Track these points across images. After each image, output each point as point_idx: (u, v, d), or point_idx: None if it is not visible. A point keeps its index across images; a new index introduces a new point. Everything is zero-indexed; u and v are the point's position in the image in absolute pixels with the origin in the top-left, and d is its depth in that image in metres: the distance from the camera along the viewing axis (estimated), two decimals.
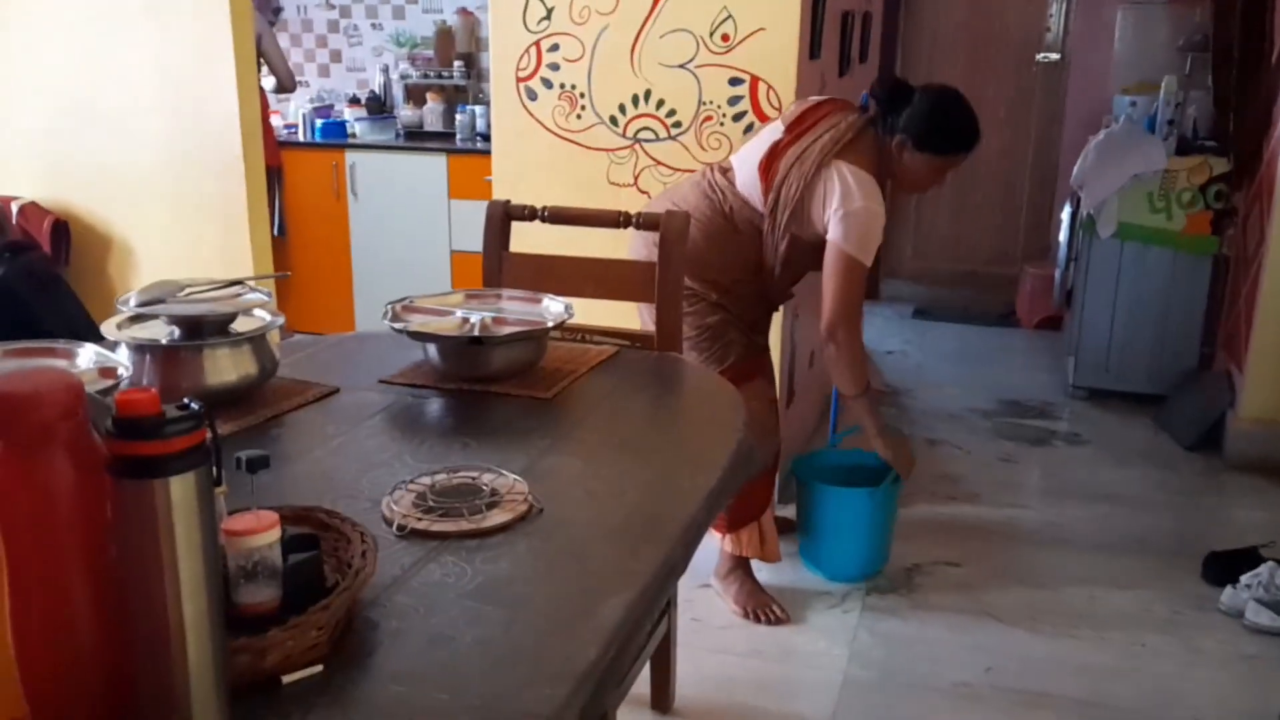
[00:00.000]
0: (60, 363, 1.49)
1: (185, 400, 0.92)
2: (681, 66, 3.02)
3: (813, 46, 3.07)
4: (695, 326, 2.54)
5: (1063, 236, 4.58)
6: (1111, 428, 4.06)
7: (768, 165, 2.52)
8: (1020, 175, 5.69)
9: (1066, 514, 3.34)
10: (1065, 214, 4.58)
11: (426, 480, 1.37)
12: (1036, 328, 5.30)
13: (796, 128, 2.54)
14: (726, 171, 2.62)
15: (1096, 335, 4.25)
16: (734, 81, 2.99)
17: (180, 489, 0.89)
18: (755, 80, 2.97)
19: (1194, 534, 3.20)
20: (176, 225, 3.67)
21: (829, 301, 2.48)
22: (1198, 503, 3.47)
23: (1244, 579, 2.77)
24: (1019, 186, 5.70)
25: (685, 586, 2.73)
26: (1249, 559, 2.86)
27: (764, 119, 2.98)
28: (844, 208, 2.42)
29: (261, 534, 1.03)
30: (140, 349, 1.60)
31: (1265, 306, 3.58)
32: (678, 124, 3.06)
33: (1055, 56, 5.47)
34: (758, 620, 2.68)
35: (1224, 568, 2.88)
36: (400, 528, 1.26)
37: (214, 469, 0.95)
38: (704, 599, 2.77)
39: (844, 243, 2.43)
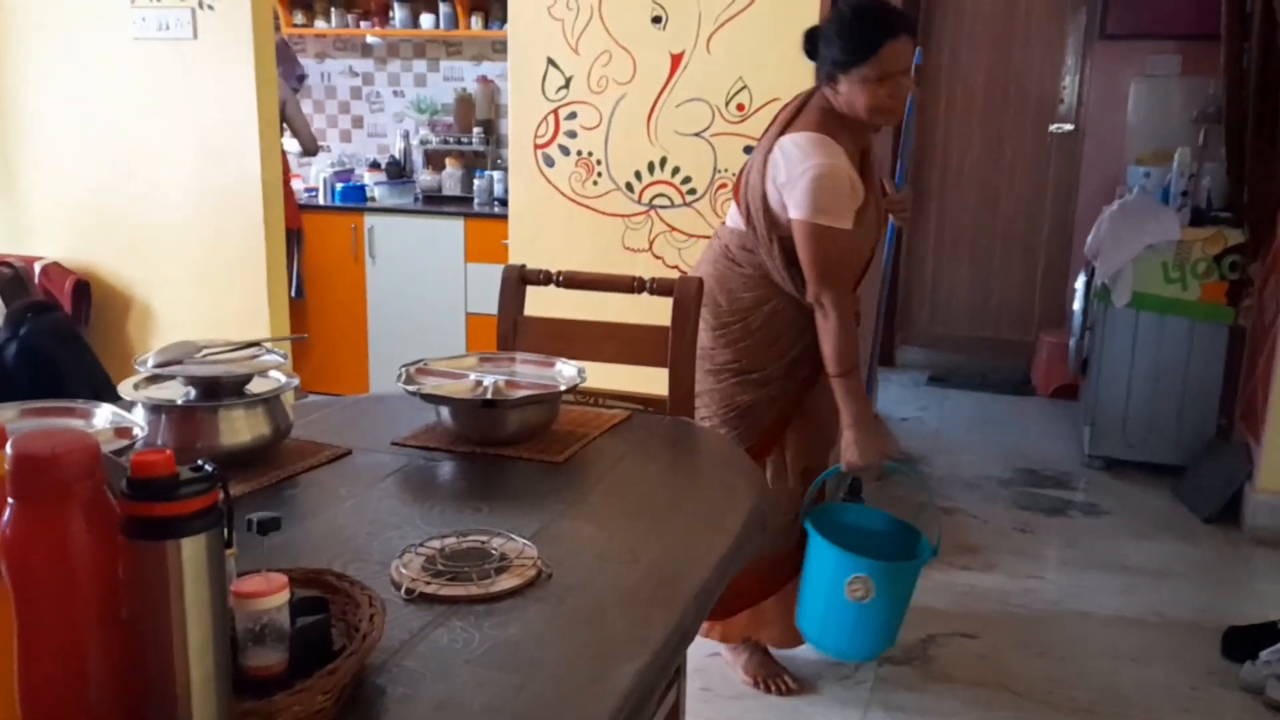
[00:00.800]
0: (77, 422, 1.50)
1: (199, 462, 0.93)
2: (697, 135, 3.06)
3: None
4: (724, 404, 2.49)
5: (1078, 305, 4.58)
6: (1129, 498, 4.02)
7: (737, 184, 2.49)
8: (1036, 243, 5.71)
9: (1085, 585, 3.30)
10: (1080, 282, 4.58)
11: (436, 544, 1.36)
12: (1052, 396, 5.28)
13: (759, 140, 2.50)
14: (724, 221, 2.60)
15: (1112, 404, 4.23)
16: (748, 150, 3.03)
17: (192, 550, 0.90)
18: None
19: (1214, 608, 3.16)
20: (196, 286, 3.71)
21: (806, 273, 2.33)
22: (1217, 576, 3.42)
23: (1264, 655, 2.72)
24: (1035, 254, 5.72)
25: (695, 655, 2.71)
26: (1269, 634, 2.82)
27: None
28: (787, 175, 2.29)
29: (270, 596, 1.02)
30: (156, 409, 1.61)
31: None
32: (693, 191, 3.10)
33: (1069, 127, 5.52)
34: (768, 690, 2.64)
35: (1244, 643, 2.83)
36: (409, 591, 1.26)
37: (225, 531, 0.95)
38: (714, 668, 2.74)
39: (800, 211, 2.28)
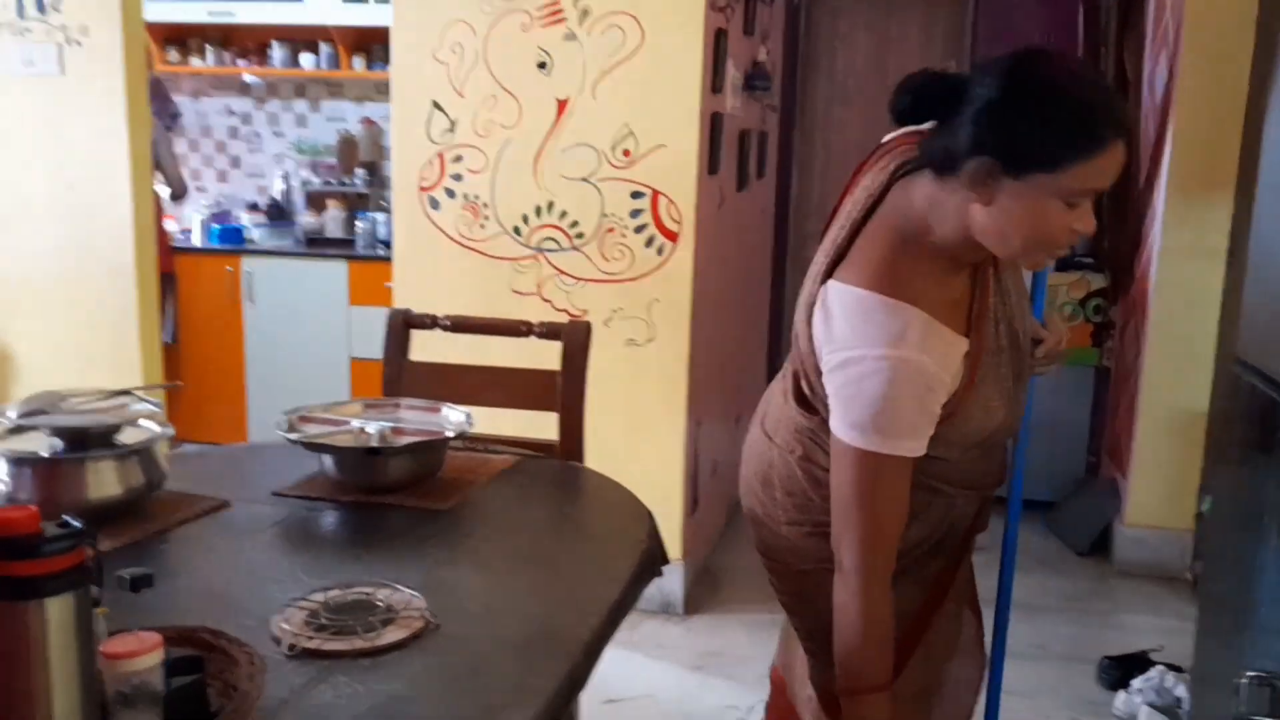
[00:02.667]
0: None
1: (64, 518, 0.89)
2: (584, 180, 3.08)
3: (712, 162, 3.16)
4: None
5: None
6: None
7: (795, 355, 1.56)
8: None
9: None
10: None
11: (319, 597, 1.33)
12: None
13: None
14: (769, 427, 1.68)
15: None
16: (635, 195, 3.06)
17: (57, 611, 0.86)
18: (656, 194, 3.04)
19: (1089, 639, 3.26)
20: (61, 331, 3.56)
21: (834, 509, 1.46)
22: (1091, 608, 3.54)
23: (1135, 683, 2.82)
24: None
25: (589, 702, 2.67)
26: (1140, 664, 2.93)
27: (664, 230, 3.05)
28: (829, 358, 1.42)
29: (143, 656, 0.98)
30: (19, 462, 1.54)
31: (1144, 416, 3.73)
32: (580, 235, 3.11)
33: None
34: None
35: (1118, 672, 2.93)
36: (291, 647, 1.21)
37: (94, 589, 0.91)
38: (609, 714, 2.71)
39: (843, 427, 1.41)
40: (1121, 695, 2.83)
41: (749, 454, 1.71)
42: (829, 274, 1.45)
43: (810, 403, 1.53)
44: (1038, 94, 1.31)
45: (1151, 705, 2.74)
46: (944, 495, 1.55)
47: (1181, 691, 2.73)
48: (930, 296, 1.39)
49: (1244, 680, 1.53)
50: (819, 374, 1.45)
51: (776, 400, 1.65)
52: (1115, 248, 4.05)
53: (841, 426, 1.41)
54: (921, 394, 1.38)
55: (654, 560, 1.66)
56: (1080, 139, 1.29)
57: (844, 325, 1.40)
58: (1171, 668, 2.82)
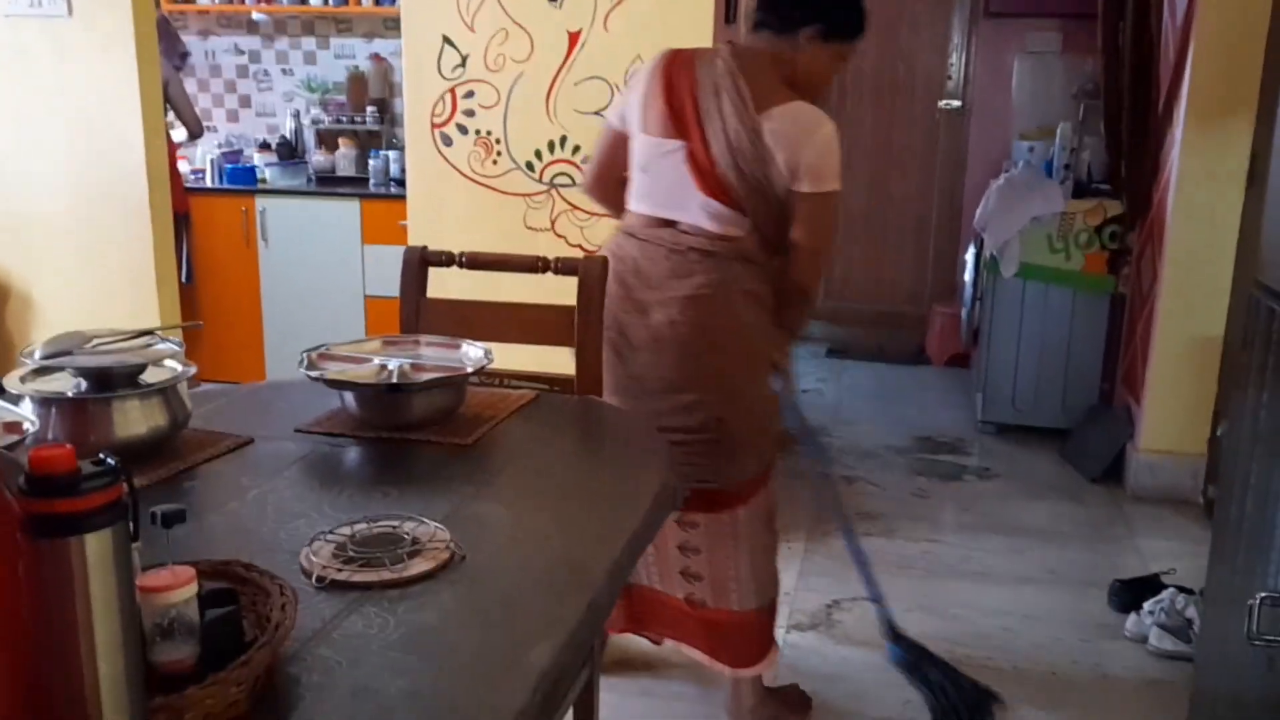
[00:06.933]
0: None
1: (101, 455, 0.91)
2: (597, 113, 3.06)
3: None
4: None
5: (968, 277, 4.72)
6: (1020, 462, 4.17)
7: (709, 174, 2.17)
8: (927, 217, 5.85)
9: (980, 547, 3.42)
10: (970, 255, 4.72)
11: (346, 530, 1.35)
12: (946, 365, 5.44)
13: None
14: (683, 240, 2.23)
15: (1002, 372, 4.37)
16: None
17: (97, 546, 0.88)
18: None
19: (1101, 564, 3.30)
20: (79, 273, 3.58)
21: (820, 247, 2.23)
22: (1103, 533, 3.58)
23: (1147, 606, 2.86)
24: (926, 228, 5.87)
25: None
26: (1152, 586, 2.96)
27: None
28: (805, 146, 2.14)
29: (178, 590, 1.01)
30: (46, 403, 1.56)
31: (1160, 343, 3.73)
32: None
33: (957, 104, 5.66)
34: None
35: (1129, 595, 2.97)
36: (320, 579, 1.24)
37: (131, 525, 0.93)
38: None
39: (831, 180, 2.16)
40: (1132, 617, 2.87)
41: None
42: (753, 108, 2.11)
43: (744, 205, 2.16)
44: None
45: (1162, 626, 2.78)
46: None
47: (1192, 613, 2.76)
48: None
49: (1257, 601, 1.55)
50: (766, 179, 2.12)
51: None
52: (1133, 174, 4.01)
53: (832, 179, 2.13)
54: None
55: (672, 491, 1.69)
56: (860, 21, 2.24)
57: (807, 119, 2.11)
58: (1182, 590, 2.86)
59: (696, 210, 2.17)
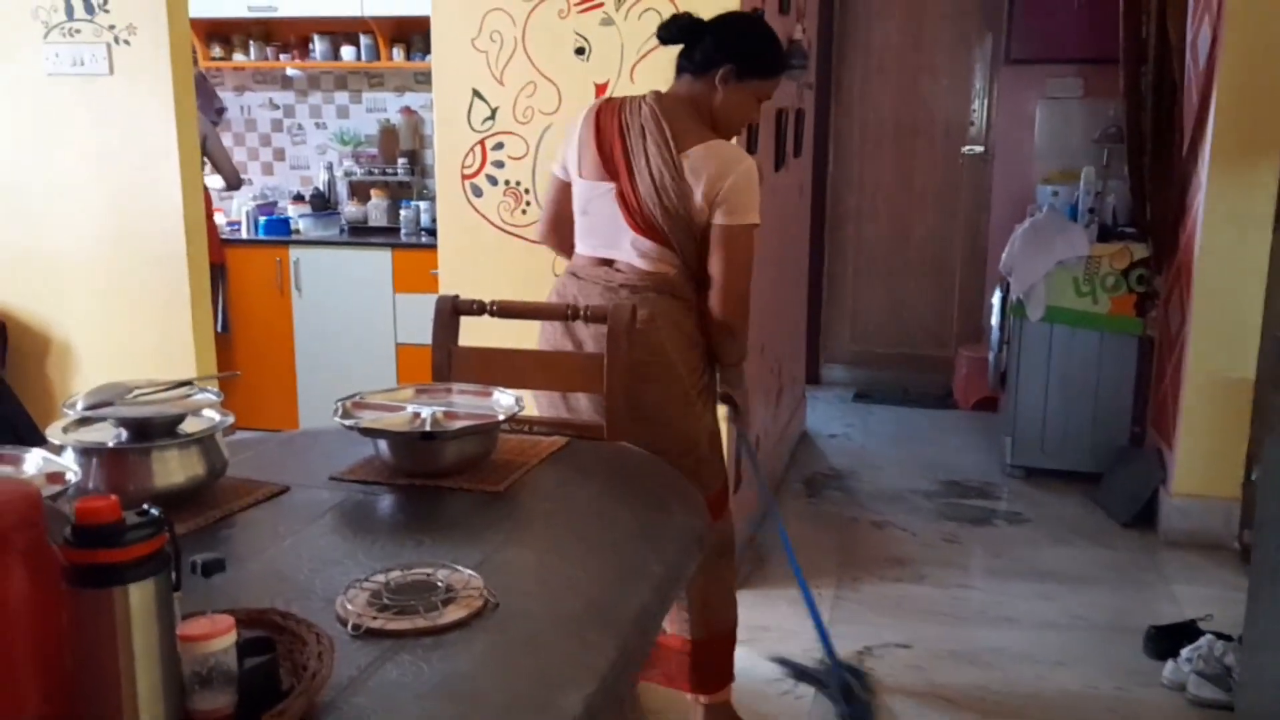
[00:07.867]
0: (7, 469, 1.48)
1: (145, 506, 0.93)
2: None
3: (750, 142, 3.17)
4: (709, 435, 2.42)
5: (994, 320, 4.71)
6: (1049, 506, 4.14)
7: (634, 210, 2.28)
8: (951, 261, 5.86)
9: (1011, 592, 3.39)
10: (996, 298, 4.72)
11: (381, 578, 1.37)
12: (973, 408, 5.41)
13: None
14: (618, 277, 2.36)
15: (1031, 415, 4.35)
16: None
17: (140, 596, 0.90)
18: None
19: (1134, 609, 3.26)
20: (118, 324, 3.65)
21: (735, 283, 2.29)
22: (1136, 578, 3.54)
23: (1185, 653, 2.82)
24: (950, 272, 5.87)
25: None
26: (1188, 633, 2.92)
27: None
28: (723, 179, 2.23)
29: (217, 639, 1.02)
30: (87, 452, 1.60)
31: (1190, 385, 3.71)
32: None
33: (980, 149, 5.68)
34: None
35: (1165, 642, 2.93)
36: (355, 627, 1.26)
37: (173, 575, 0.95)
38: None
39: (747, 214, 2.26)
40: (1170, 664, 2.83)
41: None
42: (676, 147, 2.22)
43: (669, 238, 2.26)
44: (762, 33, 2.36)
45: (1200, 674, 2.74)
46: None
47: (1231, 660, 2.73)
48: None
49: None
50: (689, 213, 2.23)
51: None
52: (1158, 217, 4.01)
53: (748, 214, 2.23)
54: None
55: (700, 538, 1.70)
56: (776, 61, 2.35)
57: (728, 154, 2.22)
58: (1220, 636, 2.82)
59: (628, 248, 2.30)
